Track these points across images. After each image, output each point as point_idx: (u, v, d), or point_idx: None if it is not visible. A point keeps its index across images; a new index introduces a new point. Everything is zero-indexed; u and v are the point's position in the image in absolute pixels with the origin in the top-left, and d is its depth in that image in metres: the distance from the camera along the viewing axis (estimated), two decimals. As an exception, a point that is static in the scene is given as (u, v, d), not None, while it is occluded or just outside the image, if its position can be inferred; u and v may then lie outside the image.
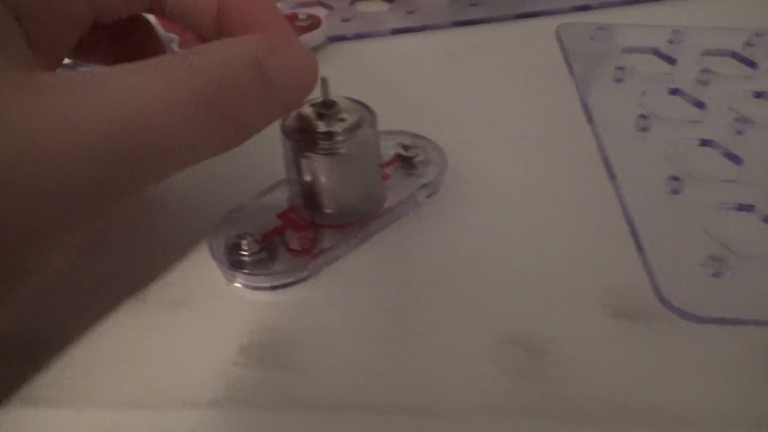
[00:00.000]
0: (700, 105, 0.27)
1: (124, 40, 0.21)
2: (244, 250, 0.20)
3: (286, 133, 0.19)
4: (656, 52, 0.30)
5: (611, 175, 0.23)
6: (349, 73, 0.31)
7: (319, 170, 0.20)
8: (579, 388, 0.17)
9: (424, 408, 0.17)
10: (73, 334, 0.19)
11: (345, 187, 0.20)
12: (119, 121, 0.13)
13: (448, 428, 0.17)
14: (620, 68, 0.28)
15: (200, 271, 0.21)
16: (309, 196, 0.21)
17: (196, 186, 0.24)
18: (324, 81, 0.19)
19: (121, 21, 0.19)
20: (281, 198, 0.22)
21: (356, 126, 0.19)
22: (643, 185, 0.22)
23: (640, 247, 0.20)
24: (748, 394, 0.17)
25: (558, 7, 0.36)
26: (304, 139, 0.19)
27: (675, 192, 0.22)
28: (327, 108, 0.19)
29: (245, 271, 0.20)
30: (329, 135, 0.19)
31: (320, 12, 0.36)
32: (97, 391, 0.17)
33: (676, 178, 0.22)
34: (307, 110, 0.19)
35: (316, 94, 0.19)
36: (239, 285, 0.20)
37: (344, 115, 0.19)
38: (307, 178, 0.20)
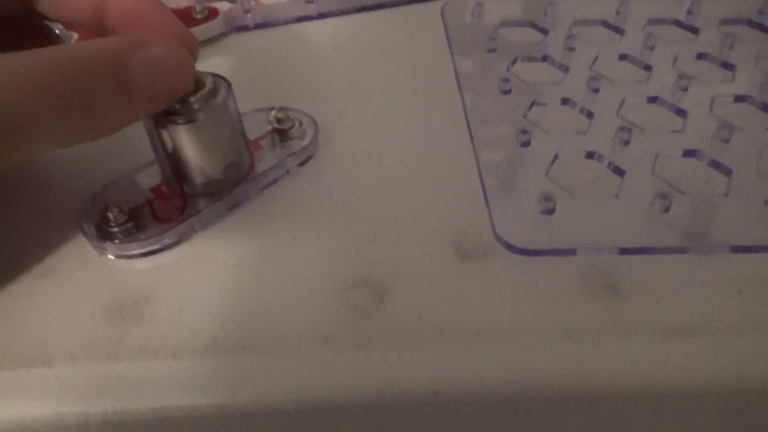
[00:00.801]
0: (564, 69, 0.29)
1: (12, 38, 0.22)
2: (112, 222, 0.21)
3: None
4: (532, 25, 0.32)
5: (471, 135, 0.25)
6: (245, 60, 0.32)
7: (180, 140, 0.21)
8: (416, 319, 0.19)
9: (269, 346, 0.18)
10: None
11: (208, 154, 0.22)
12: None
13: (292, 363, 0.18)
14: (493, 39, 0.30)
15: (72, 244, 0.22)
16: (175, 167, 0.22)
17: (72, 163, 0.25)
18: None
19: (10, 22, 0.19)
20: (156, 174, 0.23)
21: (212, 94, 0.21)
22: (497, 141, 0.24)
23: (486, 195, 0.22)
24: (571, 312, 0.19)
25: (452, -11, 0.38)
26: (162, 111, 0.20)
27: (524, 144, 0.24)
28: None
29: (115, 241, 0.21)
30: (185, 104, 0.20)
31: (223, 5, 0.37)
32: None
33: (525, 131, 0.24)
34: None
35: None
36: (111, 256, 0.21)
37: (199, 86, 0.21)
38: (171, 149, 0.21)
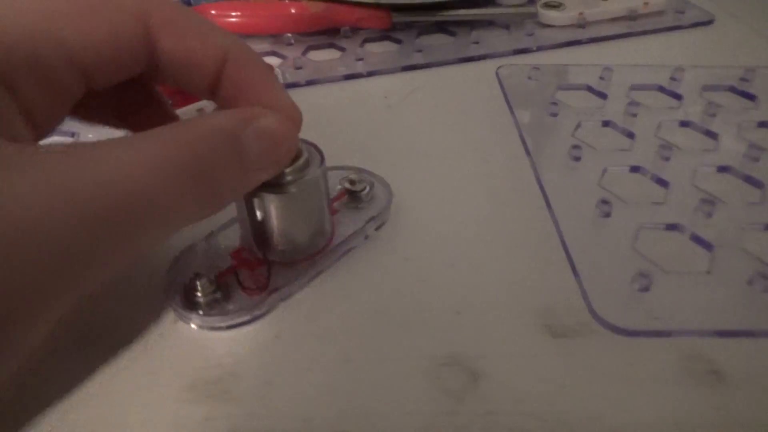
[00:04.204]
0: (629, 135, 0.28)
1: (126, 101, 0.21)
2: (199, 291, 0.20)
3: None
4: (589, 89, 0.32)
5: (547, 203, 0.24)
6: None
7: (270, 210, 0.20)
8: (515, 405, 0.18)
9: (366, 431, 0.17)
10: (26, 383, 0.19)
11: (296, 225, 0.21)
12: (104, 184, 0.14)
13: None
14: (554, 104, 0.30)
15: (153, 313, 0.21)
16: (261, 234, 0.21)
17: None
18: None
19: (121, 85, 0.19)
20: (233, 237, 0.23)
21: (305, 165, 0.20)
22: (576, 210, 0.24)
23: (574, 269, 0.21)
24: (676, 401, 0.18)
25: (499, 50, 0.38)
26: None
27: (606, 215, 0.23)
28: None
29: (200, 312, 0.20)
30: (279, 175, 0.20)
31: (274, 61, 0.37)
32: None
33: (606, 202, 0.23)
34: None
35: None
36: (195, 326, 0.20)
37: (295, 156, 0.20)
38: (259, 217, 0.21)
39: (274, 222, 0.20)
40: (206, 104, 0.32)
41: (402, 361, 0.19)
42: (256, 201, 0.20)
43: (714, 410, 0.18)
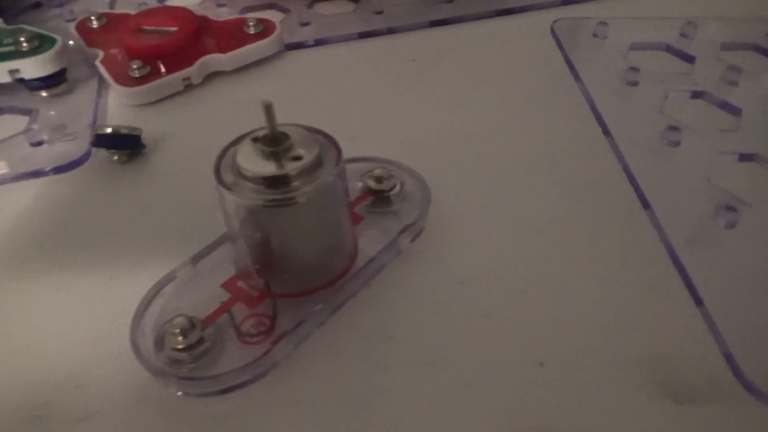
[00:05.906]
0: (732, 110, 0.22)
1: None
2: (180, 344, 0.15)
3: (222, 181, 0.14)
4: (668, 48, 0.26)
5: (644, 202, 0.19)
6: (308, 87, 0.26)
7: (272, 226, 0.15)
8: None
9: None
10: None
11: (307, 243, 0.15)
12: None
13: None
14: (634, 69, 0.24)
15: (122, 371, 0.15)
16: (262, 258, 0.15)
17: (117, 252, 0.19)
18: (268, 108, 0.14)
19: None
20: (226, 260, 0.17)
21: (315, 165, 0.15)
22: (685, 215, 0.18)
23: (698, 299, 0.16)
24: None
25: (543, 0, 0.31)
26: (248, 187, 0.14)
27: (730, 225, 0.17)
28: (276, 143, 0.14)
29: (184, 371, 0.14)
30: (281, 180, 0.14)
31: (275, 16, 0.31)
32: None
33: (730, 208, 0.18)
34: (249, 147, 0.14)
35: (261, 125, 0.14)
36: (177, 392, 0.15)
37: (299, 152, 0.14)
38: (257, 237, 0.15)
39: (278, 242, 0.15)
40: (193, 71, 0.25)
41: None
42: (251, 216, 0.14)
43: None
